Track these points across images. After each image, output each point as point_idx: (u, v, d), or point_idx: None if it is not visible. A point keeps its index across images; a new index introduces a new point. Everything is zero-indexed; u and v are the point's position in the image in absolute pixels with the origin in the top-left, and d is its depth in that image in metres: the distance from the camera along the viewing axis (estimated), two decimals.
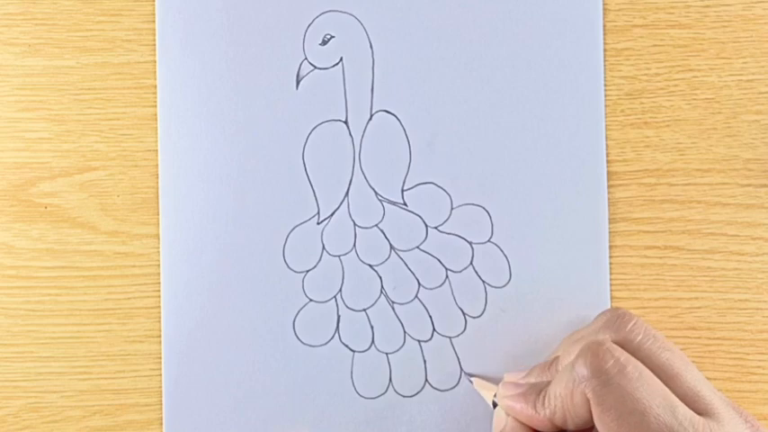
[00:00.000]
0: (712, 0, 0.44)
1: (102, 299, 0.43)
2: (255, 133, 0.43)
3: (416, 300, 0.43)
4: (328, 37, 0.43)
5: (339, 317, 0.43)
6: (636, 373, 0.35)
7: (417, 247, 0.43)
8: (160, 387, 0.43)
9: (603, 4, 0.44)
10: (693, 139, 0.44)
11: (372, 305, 0.43)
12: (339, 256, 0.43)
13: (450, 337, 0.43)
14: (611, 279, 0.43)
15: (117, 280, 0.43)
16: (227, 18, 0.43)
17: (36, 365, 0.43)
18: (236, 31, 0.43)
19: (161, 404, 0.43)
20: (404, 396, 0.43)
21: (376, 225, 0.43)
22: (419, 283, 0.43)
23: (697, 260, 0.43)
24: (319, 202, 0.43)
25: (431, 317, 0.43)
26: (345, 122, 0.43)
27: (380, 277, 0.43)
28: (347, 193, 0.43)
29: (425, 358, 0.43)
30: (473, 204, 0.43)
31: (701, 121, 0.44)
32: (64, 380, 0.43)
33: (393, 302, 0.43)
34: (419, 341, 0.43)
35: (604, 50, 0.44)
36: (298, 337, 0.43)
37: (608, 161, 0.43)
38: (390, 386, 0.43)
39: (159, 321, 0.43)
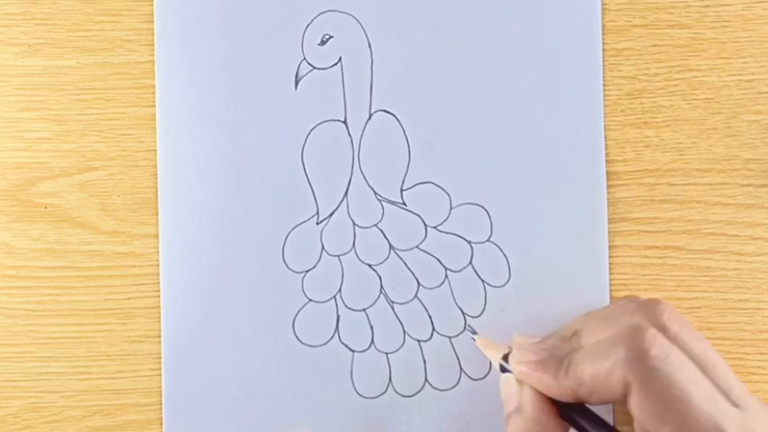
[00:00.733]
0: (712, 0, 0.44)
1: (102, 299, 0.43)
2: (254, 133, 0.43)
3: (416, 299, 0.43)
4: (327, 37, 0.43)
5: (339, 317, 0.43)
6: (679, 362, 0.35)
7: (417, 247, 0.43)
8: (160, 387, 0.43)
9: (603, 4, 0.44)
10: (693, 139, 0.44)
11: (372, 305, 0.43)
12: (338, 256, 0.43)
13: (449, 337, 0.43)
14: (610, 279, 0.43)
15: (117, 280, 0.43)
16: (226, 18, 0.43)
17: (36, 365, 0.43)
18: (235, 32, 0.43)
19: (161, 404, 0.43)
20: (404, 396, 0.43)
21: (375, 225, 0.43)
22: (419, 283, 0.43)
23: (697, 260, 0.43)
24: (318, 202, 0.43)
25: (430, 316, 0.43)
26: (344, 122, 0.43)
27: (380, 277, 0.43)
28: (346, 193, 0.43)
29: (425, 358, 0.43)
30: (472, 204, 0.43)
31: (701, 121, 0.44)
32: (64, 380, 0.43)
33: (392, 302, 0.43)
34: (419, 341, 0.43)
35: (604, 50, 0.44)
36: (297, 337, 0.43)
37: (608, 161, 0.43)
38: (390, 386, 0.43)
39: (159, 321, 0.43)
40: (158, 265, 0.43)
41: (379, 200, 0.43)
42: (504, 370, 0.39)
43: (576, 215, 0.43)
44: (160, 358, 0.43)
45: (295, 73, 0.43)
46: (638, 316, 0.37)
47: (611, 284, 0.43)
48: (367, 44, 0.43)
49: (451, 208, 0.43)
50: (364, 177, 0.43)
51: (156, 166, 0.43)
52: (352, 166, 0.43)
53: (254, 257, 0.43)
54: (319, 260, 0.43)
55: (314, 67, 0.43)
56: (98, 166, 0.43)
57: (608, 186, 0.43)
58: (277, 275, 0.43)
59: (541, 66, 0.43)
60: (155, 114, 0.43)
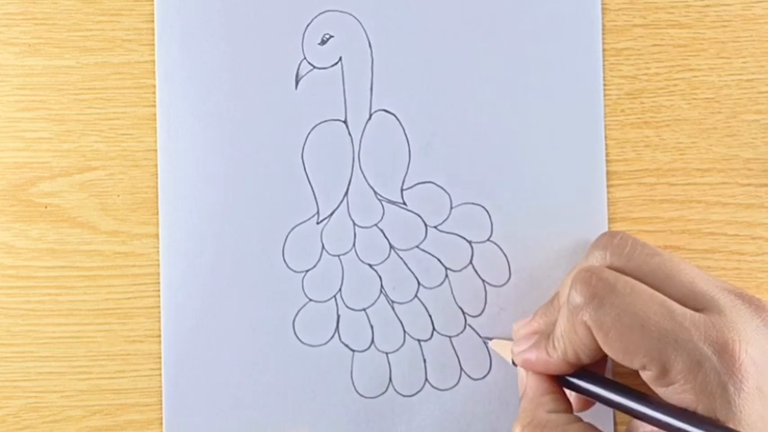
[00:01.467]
0: (712, 0, 0.44)
1: (102, 299, 0.43)
2: (254, 133, 0.43)
3: (416, 299, 0.43)
4: (327, 36, 0.43)
5: (339, 316, 0.43)
6: (627, 289, 0.35)
7: (417, 247, 0.43)
8: (160, 387, 0.43)
9: (603, 4, 0.44)
10: (693, 139, 0.44)
11: (372, 305, 0.43)
12: (339, 256, 0.43)
13: (450, 337, 0.43)
14: None
15: (117, 280, 0.43)
16: (226, 18, 0.43)
17: (36, 365, 0.43)
18: (235, 31, 0.43)
19: (161, 404, 0.43)
20: (404, 395, 0.43)
21: (375, 224, 0.43)
22: (419, 283, 0.43)
23: (697, 260, 0.43)
24: (318, 202, 0.43)
25: (430, 316, 0.43)
26: (344, 122, 0.43)
27: (380, 277, 0.43)
28: (346, 193, 0.43)
29: (425, 358, 0.43)
30: (472, 203, 0.43)
31: (701, 120, 0.44)
32: (64, 380, 0.43)
33: (393, 302, 0.43)
34: (419, 340, 0.43)
35: (604, 50, 0.44)
36: (297, 336, 0.43)
37: (608, 161, 0.43)
38: (390, 386, 0.43)
39: (159, 321, 0.43)
40: (158, 265, 0.43)
41: (379, 199, 0.43)
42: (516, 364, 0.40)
43: (577, 215, 0.43)
44: (160, 358, 0.43)
45: (295, 73, 0.43)
46: (590, 255, 0.38)
47: None
48: (367, 44, 0.43)
49: (452, 208, 0.43)
50: (364, 177, 0.43)
51: (156, 166, 0.43)
52: (353, 166, 0.43)
53: (254, 257, 0.43)
54: (319, 260, 0.43)
55: (314, 67, 0.43)
56: (98, 166, 0.43)
57: (608, 186, 0.43)
58: (277, 275, 0.43)
59: (541, 65, 0.43)
60: (155, 114, 0.43)
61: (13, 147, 0.43)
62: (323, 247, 0.43)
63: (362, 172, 0.43)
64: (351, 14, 0.43)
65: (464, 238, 0.43)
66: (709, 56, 0.44)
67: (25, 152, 0.43)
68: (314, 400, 0.43)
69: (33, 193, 0.43)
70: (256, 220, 0.43)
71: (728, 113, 0.44)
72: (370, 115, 0.43)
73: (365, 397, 0.43)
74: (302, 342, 0.43)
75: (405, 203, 0.43)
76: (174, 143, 0.43)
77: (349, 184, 0.43)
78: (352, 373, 0.43)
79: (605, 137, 0.43)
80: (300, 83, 0.43)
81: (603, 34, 0.44)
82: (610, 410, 0.42)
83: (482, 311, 0.43)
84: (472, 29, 0.43)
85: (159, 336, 0.43)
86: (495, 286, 0.43)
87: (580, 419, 0.36)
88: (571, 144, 0.43)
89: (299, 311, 0.43)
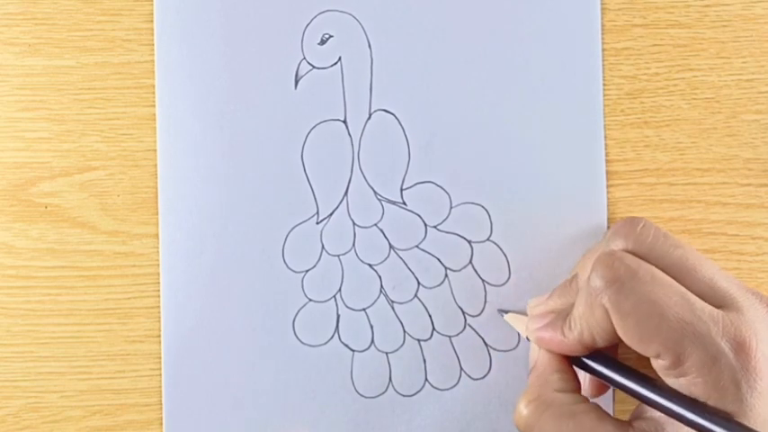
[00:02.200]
0: (712, 0, 0.44)
1: (102, 299, 0.43)
2: (254, 133, 0.43)
3: (416, 299, 0.43)
4: (327, 36, 0.43)
5: (339, 316, 0.43)
6: (648, 276, 0.35)
7: (416, 246, 0.43)
8: (160, 387, 0.43)
9: (603, 4, 0.44)
10: (693, 139, 0.44)
11: (372, 304, 0.43)
12: (338, 256, 0.43)
13: (449, 336, 0.43)
14: None
15: (117, 280, 0.43)
16: (226, 18, 0.43)
17: (36, 365, 0.43)
18: (235, 31, 0.43)
19: (161, 404, 0.43)
20: (404, 395, 0.43)
21: (375, 224, 0.43)
22: (418, 283, 0.43)
23: None
24: (318, 202, 0.43)
25: (430, 316, 0.43)
26: (344, 122, 0.43)
27: (380, 276, 0.43)
28: (346, 193, 0.43)
29: (425, 357, 0.43)
30: (472, 203, 0.43)
31: (701, 120, 0.44)
32: (64, 380, 0.43)
33: (392, 302, 0.43)
34: (419, 340, 0.43)
35: (604, 50, 0.44)
36: (297, 336, 0.43)
37: (608, 161, 0.43)
38: (390, 385, 0.43)
39: (159, 321, 0.43)
40: (158, 265, 0.43)
41: (378, 199, 0.43)
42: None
43: (576, 215, 0.43)
44: (160, 358, 0.43)
45: (295, 72, 0.43)
46: (612, 240, 0.38)
47: None
48: (367, 44, 0.43)
49: (451, 207, 0.43)
50: (364, 177, 0.43)
51: (156, 166, 0.43)
52: (352, 166, 0.43)
53: (254, 257, 0.43)
54: (319, 260, 0.43)
55: (314, 67, 0.43)
56: (98, 166, 0.43)
57: (608, 186, 0.43)
58: (277, 275, 0.43)
59: (541, 65, 0.43)
60: (155, 114, 0.43)
61: (13, 147, 0.43)
62: (323, 247, 0.43)
63: (362, 172, 0.43)
64: (350, 14, 0.43)
65: (464, 238, 0.43)
66: (709, 56, 0.44)
67: (25, 152, 0.43)
68: (314, 400, 0.43)
69: (33, 193, 0.43)
70: (256, 220, 0.43)
71: (728, 113, 0.44)
72: (370, 115, 0.43)
73: (365, 397, 0.43)
74: (302, 342, 0.43)
75: (404, 203, 0.43)
76: (174, 143, 0.43)
77: (349, 184, 0.43)
78: (352, 373, 0.43)
79: (605, 137, 0.43)
80: (300, 83, 0.43)
81: (603, 34, 0.44)
82: (610, 393, 0.42)
83: (482, 311, 0.43)
84: (472, 29, 0.43)
85: (159, 336, 0.43)
86: (494, 286, 0.43)
87: (587, 400, 0.37)
88: (571, 144, 0.43)
89: (298, 311, 0.43)
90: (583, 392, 0.38)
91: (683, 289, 0.35)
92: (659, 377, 0.35)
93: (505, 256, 0.43)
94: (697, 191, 0.43)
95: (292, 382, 0.43)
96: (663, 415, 0.35)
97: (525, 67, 0.43)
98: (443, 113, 0.43)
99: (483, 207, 0.43)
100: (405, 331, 0.43)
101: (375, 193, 0.43)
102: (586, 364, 0.38)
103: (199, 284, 0.43)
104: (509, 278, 0.43)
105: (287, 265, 0.43)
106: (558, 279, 0.42)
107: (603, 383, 0.39)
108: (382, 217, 0.43)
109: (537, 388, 0.37)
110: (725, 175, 0.44)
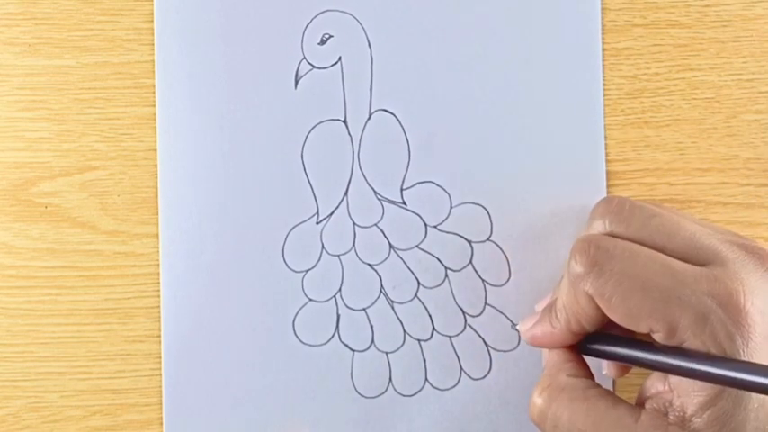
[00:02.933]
0: (712, 0, 0.44)
1: (102, 299, 0.43)
2: (254, 133, 0.43)
3: (416, 299, 0.43)
4: (327, 36, 0.43)
5: (339, 316, 0.43)
6: (626, 253, 0.35)
7: (417, 246, 0.43)
8: (160, 387, 0.43)
9: (603, 4, 0.44)
10: (693, 139, 0.44)
11: (372, 304, 0.43)
12: (338, 256, 0.43)
13: (450, 336, 0.43)
14: None
15: (117, 280, 0.43)
16: (226, 18, 0.43)
17: (36, 365, 0.43)
18: (235, 31, 0.43)
19: (161, 404, 0.43)
20: (404, 395, 0.43)
21: (375, 224, 0.43)
22: (419, 282, 0.43)
23: None
24: (318, 202, 0.43)
25: (430, 316, 0.43)
26: (344, 122, 0.43)
27: (380, 276, 0.43)
28: (346, 193, 0.43)
29: (425, 357, 0.43)
30: (472, 203, 0.43)
31: (701, 120, 0.44)
32: (64, 380, 0.43)
33: (393, 302, 0.43)
34: (419, 340, 0.43)
35: (604, 50, 0.44)
36: (297, 336, 0.43)
37: (608, 161, 0.43)
38: (390, 385, 0.43)
39: (159, 321, 0.43)
40: (158, 265, 0.43)
41: (379, 199, 0.43)
42: None
43: (577, 214, 0.43)
44: (160, 358, 0.43)
45: (295, 72, 0.43)
46: (591, 223, 0.38)
47: None
48: (367, 43, 0.43)
49: (451, 207, 0.43)
50: (364, 177, 0.43)
51: (156, 165, 0.43)
52: (352, 166, 0.43)
53: (253, 257, 0.43)
54: (319, 260, 0.43)
55: (314, 67, 0.43)
56: (98, 166, 0.43)
57: (608, 186, 0.43)
58: (277, 275, 0.43)
59: (541, 65, 0.43)
60: (155, 114, 0.43)
61: (13, 147, 0.43)
62: (323, 246, 0.43)
63: (362, 172, 0.43)
64: (350, 14, 0.43)
65: (464, 238, 0.43)
66: (709, 56, 0.44)
67: (25, 152, 0.43)
68: (314, 400, 0.43)
69: (33, 193, 0.43)
70: (256, 220, 0.43)
71: (728, 113, 0.44)
72: (370, 115, 0.43)
73: (365, 397, 0.43)
74: (302, 342, 0.43)
75: (404, 203, 0.43)
76: (174, 143, 0.43)
77: (349, 184, 0.43)
78: (352, 373, 0.43)
79: (605, 137, 0.43)
80: (300, 83, 0.43)
81: (603, 34, 0.44)
82: (610, 380, 0.42)
83: (482, 311, 0.43)
84: (472, 29, 0.43)
85: (159, 336, 0.43)
86: (494, 286, 0.43)
87: (599, 385, 0.37)
88: (571, 144, 0.43)
89: (298, 311, 0.43)
90: (605, 373, 0.39)
91: (662, 256, 0.35)
92: None
93: (505, 256, 0.43)
94: (697, 191, 0.43)
95: (292, 382, 0.43)
96: (668, 388, 0.35)
97: (525, 67, 0.43)
98: (443, 113, 0.43)
99: (483, 207, 0.43)
100: (405, 331, 0.43)
101: (375, 192, 0.43)
102: (592, 349, 0.37)
103: (199, 284, 0.43)
104: (509, 278, 0.43)
105: (287, 265, 0.43)
106: (558, 279, 0.42)
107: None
108: (382, 217, 0.43)
109: (548, 378, 0.37)
110: (725, 175, 0.44)
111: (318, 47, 0.43)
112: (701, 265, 0.35)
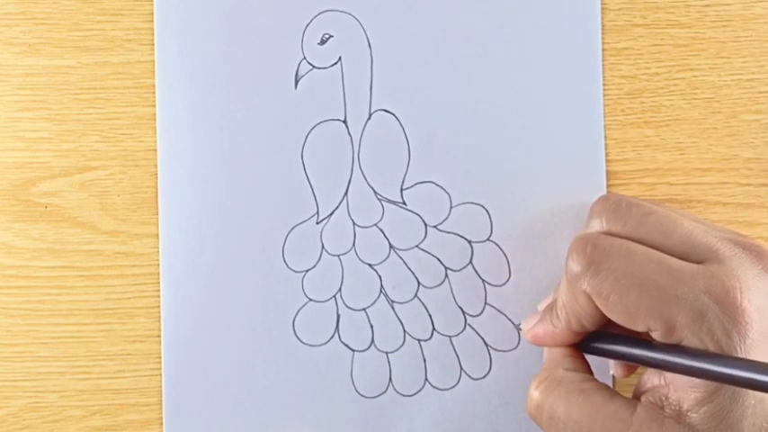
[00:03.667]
0: (712, 0, 0.44)
1: (102, 299, 0.43)
2: (254, 133, 0.43)
3: (416, 299, 0.43)
4: (327, 36, 0.43)
5: (339, 316, 0.43)
6: (622, 251, 0.35)
7: (417, 246, 0.43)
8: (160, 387, 0.43)
9: (603, 4, 0.44)
10: (693, 139, 0.44)
11: (372, 304, 0.43)
12: (338, 256, 0.43)
13: (450, 336, 0.43)
14: None
15: (117, 280, 0.43)
16: (226, 18, 0.43)
17: (36, 365, 0.43)
18: (235, 31, 0.43)
19: (161, 404, 0.43)
20: (404, 395, 0.43)
21: (375, 224, 0.43)
22: (419, 282, 0.43)
23: None
24: (318, 202, 0.43)
25: (430, 316, 0.43)
26: (344, 122, 0.43)
27: (380, 276, 0.43)
28: (346, 193, 0.43)
29: (425, 357, 0.43)
30: (472, 203, 0.43)
31: (701, 120, 0.44)
32: (64, 380, 0.43)
33: (393, 301, 0.43)
34: (419, 340, 0.43)
35: (604, 50, 0.44)
36: (297, 336, 0.43)
37: (608, 161, 0.43)
38: (390, 385, 0.43)
39: (159, 321, 0.43)
40: (158, 265, 0.43)
41: (379, 199, 0.43)
42: None
43: (576, 214, 0.43)
44: (160, 358, 0.43)
45: (295, 72, 0.43)
46: (590, 222, 0.38)
47: None
48: (367, 43, 0.43)
49: (451, 207, 0.43)
50: (364, 177, 0.43)
51: (156, 166, 0.43)
52: (352, 166, 0.43)
53: (253, 257, 0.43)
54: (319, 260, 0.43)
55: (314, 67, 0.43)
56: (98, 166, 0.43)
57: (608, 186, 0.43)
58: (277, 275, 0.43)
59: (541, 65, 0.43)
60: (155, 114, 0.43)
61: (13, 147, 0.43)
62: (323, 246, 0.43)
63: (362, 172, 0.43)
64: (350, 14, 0.43)
65: (464, 238, 0.43)
66: (708, 55, 0.44)
67: (25, 152, 0.43)
68: (314, 400, 0.43)
69: (33, 193, 0.43)
70: (256, 220, 0.43)
71: (728, 113, 0.44)
72: (370, 115, 0.43)
73: (365, 397, 0.43)
74: (302, 342, 0.43)
75: (404, 203, 0.43)
76: (174, 143, 0.43)
77: (349, 184, 0.43)
78: (352, 372, 0.43)
79: (605, 137, 0.43)
80: (300, 83, 0.43)
81: (603, 34, 0.44)
82: (609, 375, 0.42)
83: (482, 311, 0.43)
84: (472, 28, 0.43)
85: (159, 336, 0.43)
86: (494, 286, 0.43)
87: (596, 380, 0.37)
88: (571, 144, 0.43)
89: (298, 311, 0.43)
90: (612, 373, 0.39)
91: (659, 254, 0.35)
92: None
93: (505, 256, 0.43)
94: (697, 191, 0.44)
95: (292, 382, 0.43)
96: (664, 382, 0.35)
97: (525, 66, 0.43)
98: (443, 113, 0.43)
99: (483, 207, 0.43)
100: (405, 331, 0.43)
101: (375, 192, 0.43)
102: (592, 347, 0.38)
103: (199, 284, 0.43)
104: (509, 278, 0.43)
105: (287, 265, 0.43)
106: (558, 279, 0.42)
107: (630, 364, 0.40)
108: (382, 217, 0.43)
109: (546, 371, 0.37)
110: (725, 174, 0.44)
111: (318, 47, 0.43)
112: (698, 262, 0.35)
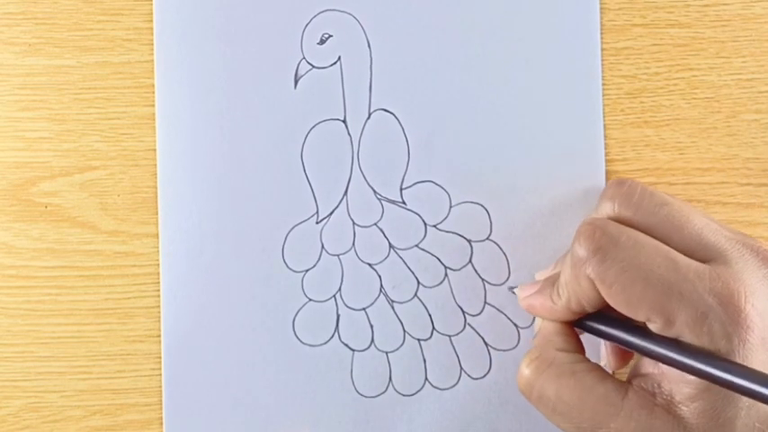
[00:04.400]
0: (712, 0, 0.44)
1: (102, 299, 0.43)
2: (254, 132, 0.43)
3: (416, 298, 0.43)
4: (326, 36, 0.43)
5: (338, 316, 0.43)
6: (631, 242, 0.34)
7: (416, 246, 0.43)
8: (160, 387, 0.43)
9: (603, 4, 0.44)
10: (693, 139, 0.44)
11: (372, 304, 0.43)
12: (338, 256, 0.43)
13: (449, 336, 0.43)
14: None
15: (117, 280, 0.43)
16: (226, 18, 0.43)
17: (36, 365, 0.43)
18: (234, 31, 0.43)
19: (161, 404, 0.43)
20: (404, 395, 0.43)
21: (375, 224, 0.43)
22: (418, 282, 0.43)
23: None
24: (318, 202, 0.43)
25: (430, 315, 0.43)
26: (344, 121, 0.43)
27: (380, 276, 0.43)
28: (346, 192, 0.43)
29: (425, 357, 0.43)
30: (472, 202, 0.43)
31: (701, 120, 0.44)
32: (64, 380, 0.43)
33: (392, 301, 0.43)
34: (419, 340, 0.43)
35: (604, 50, 0.44)
36: (297, 336, 0.43)
37: (608, 160, 0.43)
38: (390, 385, 0.43)
39: (159, 321, 0.43)
40: (158, 265, 0.43)
41: (378, 199, 0.43)
42: None
43: (576, 214, 0.43)
44: (160, 358, 0.43)
45: (294, 72, 0.43)
46: (601, 204, 0.38)
47: None
48: (366, 43, 0.43)
49: (451, 206, 0.43)
50: (364, 176, 0.43)
51: (156, 166, 0.43)
52: (352, 165, 0.43)
53: (253, 257, 0.43)
54: (319, 259, 0.43)
55: (313, 67, 0.43)
56: (98, 166, 0.43)
57: None
58: (277, 275, 0.43)
59: (541, 65, 0.43)
60: (155, 114, 0.43)
61: (14, 146, 0.43)
62: (322, 246, 0.43)
63: (362, 171, 0.43)
64: (350, 14, 0.43)
65: (463, 237, 0.43)
66: (708, 55, 0.44)
67: (25, 152, 0.43)
68: (314, 400, 0.43)
69: (33, 192, 0.43)
70: (256, 220, 0.43)
71: (728, 113, 0.44)
72: (370, 114, 0.43)
73: (365, 397, 0.43)
74: (302, 342, 0.43)
75: (404, 203, 0.43)
76: (174, 143, 0.43)
77: (348, 184, 0.43)
78: (352, 372, 0.43)
79: (605, 137, 0.43)
80: (299, 82, 0.43)
81: (603, 34, 0.44)
82: (604, 357, 0.42)
83: (482, 310, 0.43)
84: (471, 28, 0.43)
85: (159, 336, 0.43)
86: (494, 285, 0.43)
87: (588, 360, 0.37)
88: (571, 144, 0.43)
89: (298, 311, 0.43)
90: (604, 364, 0.38)
91: (666, 249, 0.35)
92: None
93: (505, 255, 0.43)
94: (697, 191, 0.43)
95: (292, 382, 0.43)
96: (658, 371, 0.35)
97: (525, 66, 0.43)
98: (443, 113, 0.43)
99: (483, 206, 0.43)
100: (405, 331, 0.43)
101: (375, 192, 0.43)
102: (587, 326, 0.37)
103: (199, 284, 0.43)
104: (509, 278, 0.43)
105: (287, 265, 0.43)
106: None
107: (624, 355, 0.40)
108: (382, 216, 0.43)
109: (538, 349, 0.37)
110: (725, 174, 0.44)
111: (318, 46, 0.43)
112: (705, 260, 0.35)
